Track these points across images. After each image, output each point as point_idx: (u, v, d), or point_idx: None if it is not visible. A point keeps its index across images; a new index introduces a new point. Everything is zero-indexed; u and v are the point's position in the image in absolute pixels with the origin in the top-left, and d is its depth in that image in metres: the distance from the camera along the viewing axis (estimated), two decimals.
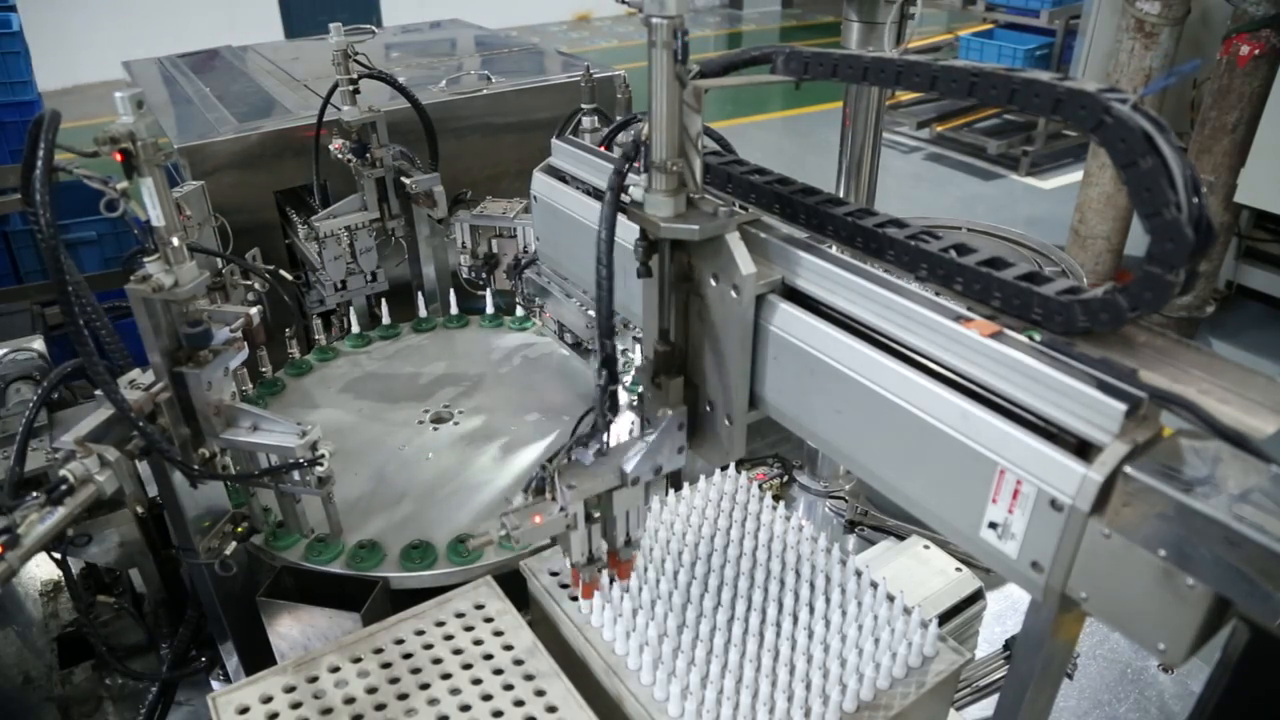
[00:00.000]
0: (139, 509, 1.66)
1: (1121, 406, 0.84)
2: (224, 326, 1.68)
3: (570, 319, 2.50)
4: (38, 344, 2.42)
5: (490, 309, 2.78)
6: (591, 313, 2.36)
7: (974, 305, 1.04)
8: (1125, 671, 2.42)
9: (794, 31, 13.94)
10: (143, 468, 1.65)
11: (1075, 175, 6.44)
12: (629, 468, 1.22)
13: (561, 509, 1.22)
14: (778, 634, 1.49)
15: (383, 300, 2.74)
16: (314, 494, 1.76)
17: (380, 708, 1.38)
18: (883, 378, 1.04)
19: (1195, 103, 5.07)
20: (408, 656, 1.48)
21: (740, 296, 1.14)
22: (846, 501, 2.86)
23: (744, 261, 1.12)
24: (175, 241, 1.52)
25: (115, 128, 1.41)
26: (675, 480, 2.22)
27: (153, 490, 1.75)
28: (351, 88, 2.53)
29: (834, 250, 1.19)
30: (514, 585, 1.65)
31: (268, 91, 3.44)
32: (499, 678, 1.44)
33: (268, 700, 1.40)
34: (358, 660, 1.47)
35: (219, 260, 2.18)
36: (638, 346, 1.21)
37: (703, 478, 1.84)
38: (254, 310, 1.72)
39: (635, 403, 2.11)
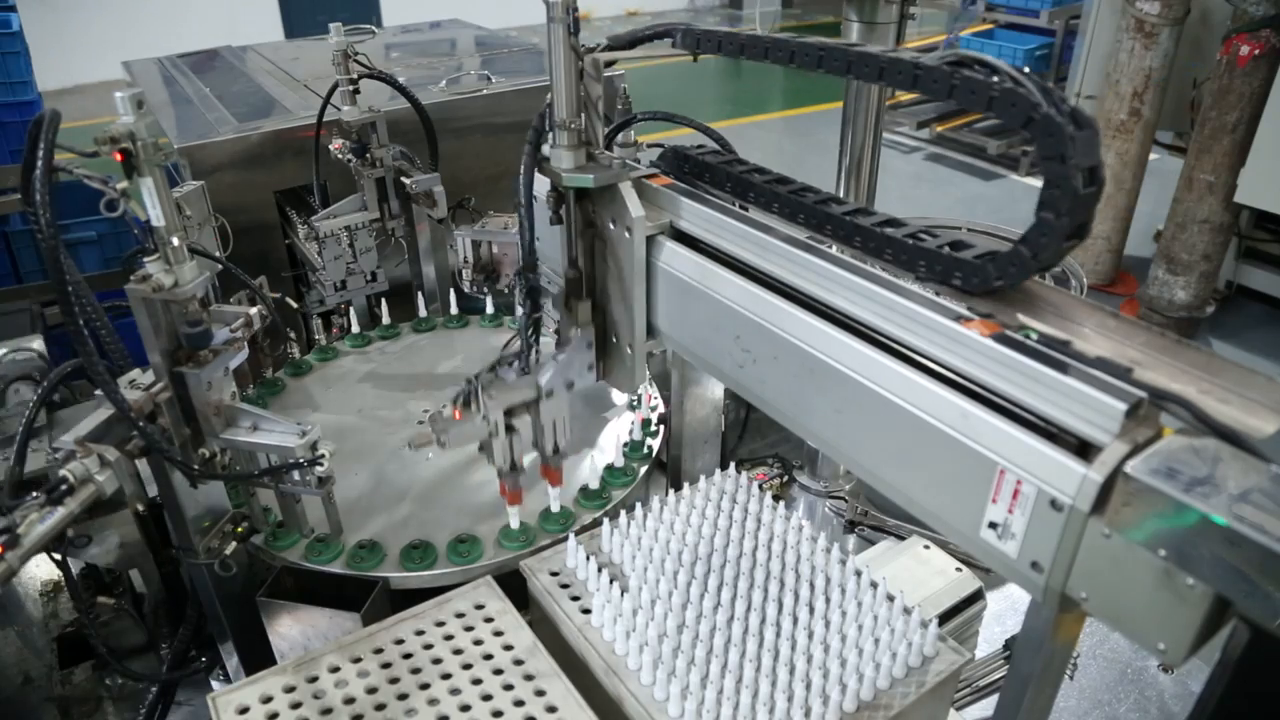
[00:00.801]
0: (139, 507, 1.66)
1: (1121, 406, 0.84)
2: (224, 326, 1.68)
3: None
4: (37, 344, 2.42)
5: (490, 309, 2.78)
6: None
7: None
8: (1125, 671, 2.42)
9: (794, 31, 13.91)
10: (143, 467, 1.65)
11: None
12: (543, 380, 1.43)
13: (484, 417, 1.41)
14: (778, 634, 1.49)
15: (383, 300, 2.74)
16: (314, 494, 1.76)
17: (380, 708, 1.38)
18: (878, 374, 1.04)
19: (1195, 103, 5.07)
20: (408, 656, 1.48)
21: (632, 237, 1.35)
22: (846, 501, 2.86)
23: (634, 206, 1.33)
24: (175, 241, 1.52)
25: (115, 128, 1.40)
26: (675, 480, 2.23)
27: (153, 490, 1.75)
28: (351, 88, 2.53)
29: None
30: (514, 585, 1.65)
31: (268, 91, 3.44)
32: (499, 678, 1.44)
33: (268, 700, 1.40)
34: (358, 660, 1.47)
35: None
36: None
37: (703, 478, 1.84)
38: (254, 310, 1.72)
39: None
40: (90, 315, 1.57)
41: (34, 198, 1.31)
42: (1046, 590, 0.93)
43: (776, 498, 1.83)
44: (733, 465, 1.88)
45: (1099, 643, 2.48)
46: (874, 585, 1.59)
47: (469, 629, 1.53)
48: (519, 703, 1.39)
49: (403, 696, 1.40)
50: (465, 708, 1.38)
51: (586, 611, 1.56)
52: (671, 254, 1.37)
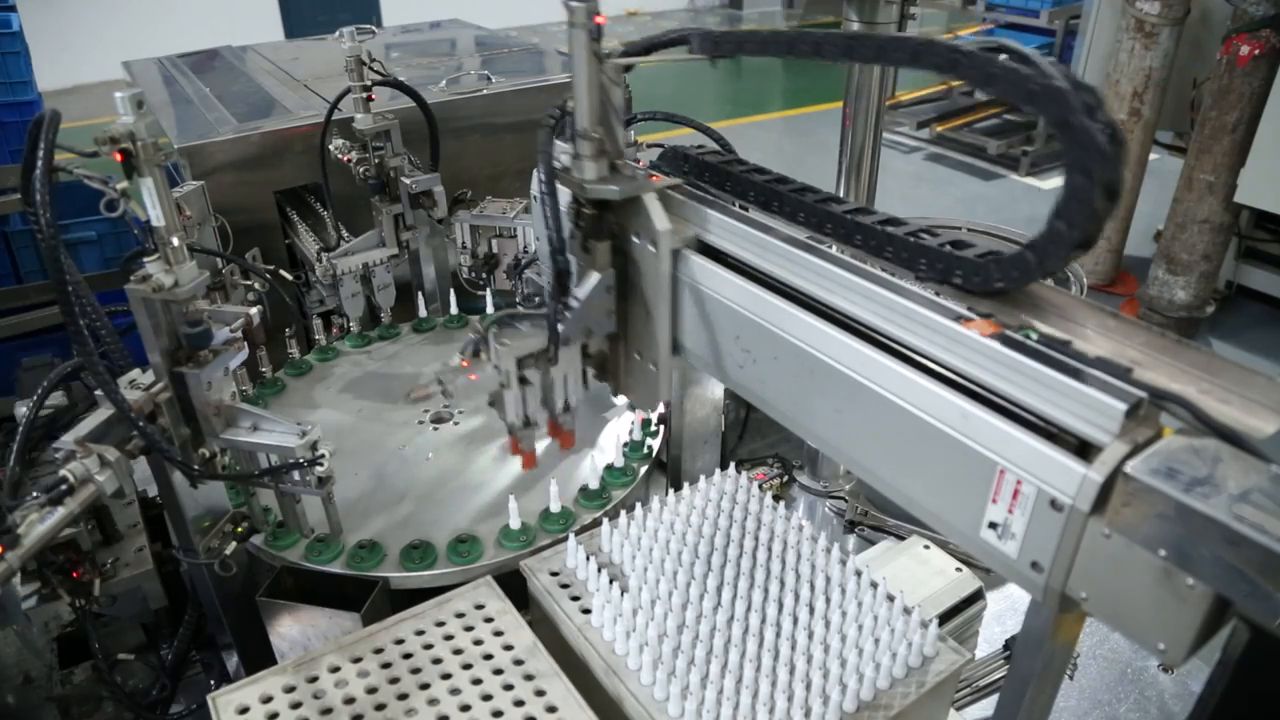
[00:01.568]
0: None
1: (1121, 406, 0.84)
2: (224, 326, 1.68)
3: None
4: None
5: (490, 309, 2.78)
6: None
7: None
8: (1125, 671, 2.42)
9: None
10: (143, 467, 1.65)
11: None
12: (560, 328, 1.31)
13: (495, 366, 1.30)
14: (778, 634, 1.49)
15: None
16: (314, 494, 1.76)
17: (380, 708, 1.38)
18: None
19: (1195, 103, 5.07)
20: (408, 656, 1.48)
21: (658, 251, 1.27)
22: (846, 501, 2.86)
23: (660, 219, 1.25)
24: (175, 241, 1.52)
25: (115, 128, 1.40)
26: (675, 480, 2.23)
27: (153, 490, 1.75)
28: (365, 95, 2.50)
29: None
30: (514, 585, 1.65)
31: (268, 91, 3.44)
32: (499, 678, 1.44)
33: (268, 700, 1.40)
34: (358, 660, 1.47)
35: (219, 260, 2.17)
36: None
37: (703, 478, 1.84)
38: (254, 310, 1.72)
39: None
40: (90, 315, 1.57)
41: (34, 198, 1.31)
42: (1046, 590, 0.93)
43: (776, 498, 1.83)
44: (733, 465, 1.88)
45: (1099, 643, 2.48)
46: (874, 585, 1.59)
47: (469, 629, 1.53)
48: (519, 703, 1.39)
49: (403, 696, 1.40)
50: (465, 708, 1.38)
51: (586, 611, 1.56)
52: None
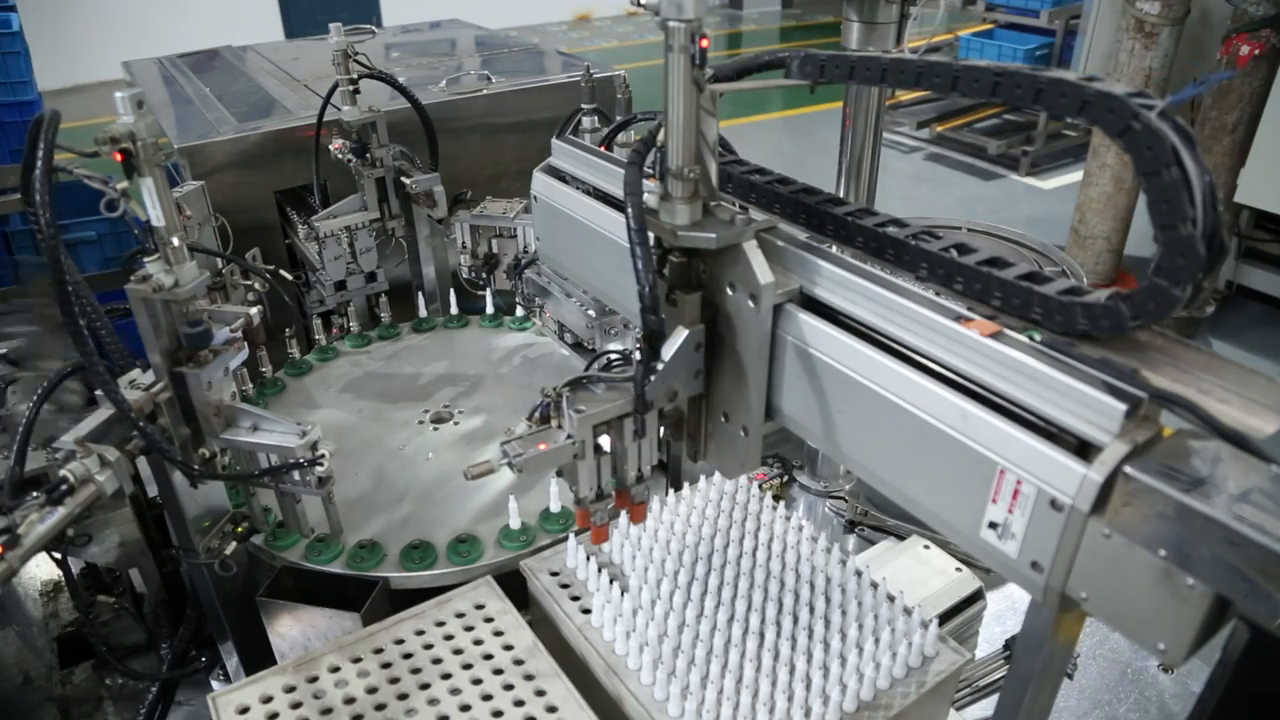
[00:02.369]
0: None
1: (1121, 406, 0.84)
2: (224, 326, 1.68)
3: (570, 319, 2.50)
4: None
5: (490, 309, 2.78)
6: (591, 312, 2.36)
7: (974, 305, 1.03)
8: (1125, 671, 2.42)
9: (793, 31, 13.94)
10: (143, 467, 1.65)
11: (1075, 175, 6.44)
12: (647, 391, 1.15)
13: (568, 436, 1.16)
14: (778, 634, 1.49)
15: (382, 300, 2.74)
16: (314, 494, 1.76)
17: (380, 708, 1.38)
18: (885, 379, 1.04)
19: (1195, 103, 5.07)
20: (408, 656, 1.48)
21: (758, 306, 1.12)
22: (846, 501, 2.86)
23: (762, 270, 1.09)
24: (175, 241, 1.52)
25: (115, 128, 1.40)
26: (675, 480, 2.23)
27: (153, 490, 1.75)
28: (351, 88, 2.53)
29: (838, 252, 1.17)
30: (514, 585, 1.65)
31: (268, 91, 3.44)
32: (499, 678, 1.44)
33: (268, 700, 1.40)
34: (358, 660, 1.47)
35: (219, 260, 2.17)
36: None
37: (703, 478, 1.84)
38: (254, 310, 1.72)
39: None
40: (90, 315, 1.57)
41: (34, 198, 1.31)
42: (1046, 590, 0.93)
43: (776, 498, 1.83)
44: None
45: (1099, 643, 2.48)
46: (874, 585, 1.59)
47: (469, 629, 1.53)
48: (519, 703, 1.39)
49: (403, 696, 1.40)
50: (465, 708, 1.38)
51: (586, 611, 1.56)
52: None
